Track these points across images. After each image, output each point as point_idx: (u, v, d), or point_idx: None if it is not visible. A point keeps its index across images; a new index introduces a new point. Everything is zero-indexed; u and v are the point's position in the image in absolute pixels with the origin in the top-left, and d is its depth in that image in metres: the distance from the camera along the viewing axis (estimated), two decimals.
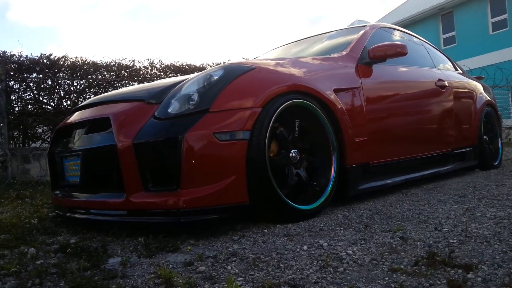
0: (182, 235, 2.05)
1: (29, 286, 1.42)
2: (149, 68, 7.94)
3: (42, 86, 6.89)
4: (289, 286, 1.28)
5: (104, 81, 7.24)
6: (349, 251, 1.61)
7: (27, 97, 6.92)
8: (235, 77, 2.25)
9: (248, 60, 3.42)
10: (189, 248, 1.80)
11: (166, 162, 2.04)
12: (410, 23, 19.84)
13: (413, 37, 4.36)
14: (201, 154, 2.01)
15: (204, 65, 8.36)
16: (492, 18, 17.55)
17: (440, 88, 3.87)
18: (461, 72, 4.94)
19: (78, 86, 7.25)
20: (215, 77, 2.22)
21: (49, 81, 6.95)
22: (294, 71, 2.59)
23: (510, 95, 12.35)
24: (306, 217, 2.30)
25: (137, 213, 2.09)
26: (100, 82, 7.25)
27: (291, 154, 2.41)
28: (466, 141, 4.21)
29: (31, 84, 6.85)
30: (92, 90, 7.28)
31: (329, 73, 2.85)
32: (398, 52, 3.16)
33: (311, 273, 1.39)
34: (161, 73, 7.98)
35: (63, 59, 7.06)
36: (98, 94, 7.16)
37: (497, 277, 1.25)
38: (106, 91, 7.23)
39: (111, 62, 7.46)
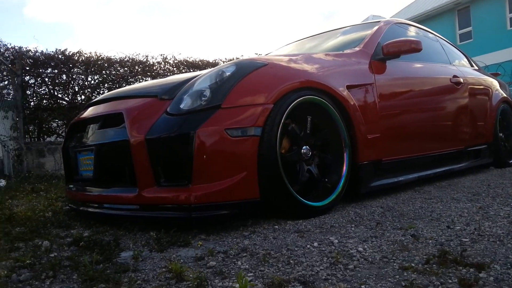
0: (193, 230, 2.07)
1: (43, 278, 1.45)
2: (162, 63, 7.99)
3: (57, 81, 6.99)
4: (299, 282, 1.28)
5: (118, 76, 7.31)
6: (360, 249, 1.61)
7: (42, 92, 7.03)
8: (247, 73, 2.25)
9: (261, 56, 3.42)
10: (200, 243, 1.82)
11: (178, 157, 2.06)
12: (426, 18, 19.58)
13: (428, 32, 4.31)
14: (212, 150, 2.02)
15: (217, 61, 8.38)
16: (510, 13, 17.22)
17: (455, 85, 3.82)
18: (477, 68, 4.87)
19: (92, 81, 7.34)
20: (227, 73, 2.22)
21: (64, 76, 7.05)
22: (307, 67, 2.58)
23: None
24: (317, 213, 2.30)
25: (149, 208, 2.11)
26: (114, 77, 7.32)
27: (302, 150, 2.40)
28: (481, 138, 4.15)
29: (46, 79, 6.95)
30: (106, 85, 7.36)
31: (342, 69, 2.83)
32: (413, 48, 3.12)
33: (321, 269, 1.39)
34: (174, 69, 8.03)
35: (77, 54, 7.15)
36: (112, 89, 7.24)
37: (510, 276, 1.23)
38: (119, 86, 7.30)
39: (125, 58, 7.53)
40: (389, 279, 1.27)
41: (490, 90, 4.51)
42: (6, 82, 6.56)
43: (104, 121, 2.47)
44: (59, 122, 7.10)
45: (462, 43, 18.23)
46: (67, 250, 1.84)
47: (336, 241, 1.74)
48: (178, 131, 2.05)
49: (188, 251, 1.72)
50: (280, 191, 2.15)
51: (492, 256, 1.43)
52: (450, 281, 1.22)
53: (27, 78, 6.79)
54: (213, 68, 2.39)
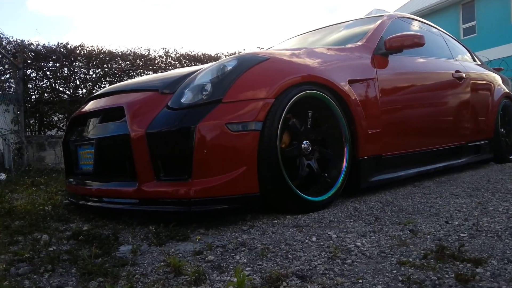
0: (192, 224, 2.07)
1: (41, 272, 1.45)
2: (164, 57, 7.98)
3: (58, 74, 6.99)
4: (297, 277, 1.28)
5: (119, 70, 7.31)
6: (358, 243, 1.61)
7: (44, 85, 7.03)
8: (249, 67, 2.24)
9: (262, 51, 3.41)
10: (199, 237, 1.82)
11: (178, 152, 2.06)
12: (430, 13, 19.47)
13: (431, 27, 4.29)
14: (213, 145, 2.02)
15: (218, 55, 8.36)
16: None
17: (457, 80, 3.80)
18: (480, 63, 4.85)
19: (94, 75, 7.34)
20: (229, 68, 2.22)
21: (66, 70, 7.05)
22: (309, 61, 2.58)
23: None
24: (316, 208, 2.30)
25: (148, 202, 2.11)
26: (115, 71, 7.32)
27: (303, 145, 2.40)
28: (482, 133, 4.14)
29: (48, 73, 6.95)
30: (107, 79, 7.35)
31: (344, 64, 2.82)
32: (415, 42, 3.11)
33: (319, 264, 1.40)
34: (176, 62, 8.01)
35: (79, 48, 7.14)
36: (114, 83, 7.23)
37: (507, 272, 1.23)
38: (121, 80, 7.30)
39: (127, 51, 7.52)
40: (387, 274, 1.27)
41: (492, 85, 4.50)
42: (7, 76, 6.56)
43: (105, 115, 2.47)
44: (60, 115, 7.11)
45: (465, 37, 18.13)
46: (66, 244, 1.84)
47: (335, 236, 1.74)
48: (178, 126, 2.05)
49: (187, 245, 1.72)
50: (279, 186, 2.15)
51: (489, 252, 1.43)
52: (447, 276, 1.22)
53: (28, 71, 6.79)
54: (214, 62, 2.39)
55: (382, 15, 3.71)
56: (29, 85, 6.78)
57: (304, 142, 2.42)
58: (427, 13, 19.37)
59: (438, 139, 3.56)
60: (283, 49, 3.29)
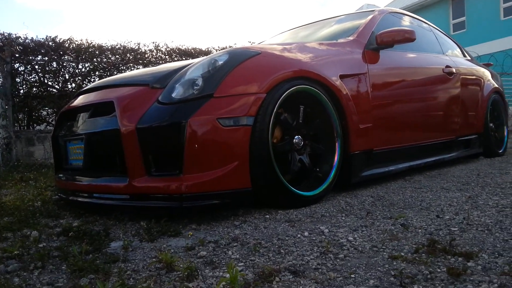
0: (183, 220, 2.06)
1: (31, 269, 1.44)
2: (155, 51, 7.91)
3: (47, 68, 6.90)
4: (289, 272, 1.28)
5: (109, 64, 7.24)
6: (350, 238, 1.61)
7: (32, 79, 6.93)
8: (240, 62, 2.23)
9: (254, 45, 3.39)
10: (191, 233, 1.81)
11: (169, 147, 2.04)
12: (420, 8, 19.55)
13: (422, 22, 4.30)
14: (204, 140, 2.01)
15: (209, 49, 8.32)
16: (504, 3, 17.23)
17: (447, 75, 3.83)
18: (469, 58, 4.88)
19: (83, 69, 7.25)
20: (220, 62, 2.20)
21: (54, 64, 6.96)
22: (300, 56, 2.57)
23: None
24: (308, 203, 2.30)
25: (139, 198, 2.10)
26: (105, 65, 7.24)
27: (294, 140, 2.40)
28: (472, 128, 4.18)
29: (36, 67, 6.85)
30: (97, 73, 7.27)
31: (335, 58, 2.82)
32: (406, 37, 3.12)
33: (311, 259, 1.40)
34: (166, 57, 7.95)
35: (68, 41, 7.05)
36: (103, 77, 7.16)
37: (497, 265, 1.24)
38: (111, 74, 7.23)
39: (116, 45, 7.44)
40: (379, 268, 1.28)
41: (482, 81, 4.53)
42: None
43: (95, 109, 2.44)
44: (49, 110, 7.02)
45: (455, 33, 18.25)
46: (56, 240, 1.82)
47: (327, 230, 1.74)
48: (169, 120, 2.04)
49: (179, 241, 1.71)
50: (271, 181, 2.14)
51: (480, 245, 1.45)
52: (438, 270, 1.23)
53: (16, 65, 6.69)
54: (205, 57, 2.37)
55: (373, 10, 3.71)
56: (17, 79, 6.68)
57: (296, 137, 2.41)
58: (418, 8, 19.46)
59: (428, 133, 3.58)
60: (274, 44, 3.27)
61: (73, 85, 7.09)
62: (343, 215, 2.03)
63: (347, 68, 2.79)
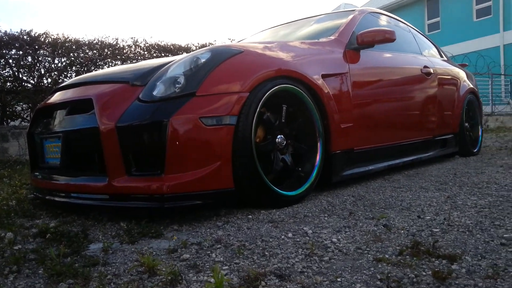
0: (165, 220, 2.03)
1: (6, 274, 1.38)
2: (133, 47, 7.79)
3: (21, 63, 6.70)
4: (275, 276, 1.27)
5: (86, 59, 7.08)
6: (334, 239, 1.61)
7: (6, 74, 6.72)
8: (223, 60, 2.20)
9: (236, 43, 3.36)
10: (175, 238, 1.77)
11: (151, 146, 2.01)
12: (397, 8, 19.82)
13: (400, 22, 4.35)
14: (186, 139, 1.98)
15: (189, 45, 8.23)
16: (476, 4, 17.63)
17: (425, 75, 3.88)
18: (446, 59, 4.96)
19: (60, 64, 7.08)
20: (202, 60, 2.17)
21: (29, 58, 6.77)
22: (283, 55, 2.55)
23: (490, 83, 12.52)
24: (290, 203, 2.29)
25: (119, 198, 2.05)
26: (82, 60, 7.09)
27: (277, 139, 2.39)
28: (448, 128, 4.25)
29: (10, 61, 6.65)
30: (74, 68, 7.11)
31: (317, 58, 2.82)
32: (386, 38, 3.14)
33: (296, 262, 1.39)
34: (145, 52, 7.84)
35: (44, 35, 6.87)
36: (80, 73, 7.00)
37: (481, 268, 1.26)
38: (88, 70, 7.08)
39: (94, 40, 7.29)
40: (364, 272, 1.28)
41: (458, 81, 4.61)
42: None
43: (73, 107, 2.38)
44: (23, 105, 6.83)
45: (430, 33, 18.57)
46: (32, 242, 1.76)
47: (310, 231, 1.74)
48: (150, 119, 1.99)
49: (161, 243, 1.68)
50: (254, 181, 2.13)
51: (462, 247, 1.46)
52: (424, 273, 1.24)
53: None
54: (187, 54, 2.33)
55: (353, 10, 3.73)
56: None
57: (279, 136, 2.40)
58: (395, 8, 19.73)
59: (407, 133, 3.63)
60: (256, 42, 3.26)
61: (49, 80, 6.91)
62: (326, 215, 2.03)
63: (328, 67, 2.79)
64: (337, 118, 2.68)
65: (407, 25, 4.47)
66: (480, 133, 4.89)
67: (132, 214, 2.08)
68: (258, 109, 2.18)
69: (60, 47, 6.88)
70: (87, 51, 7.21)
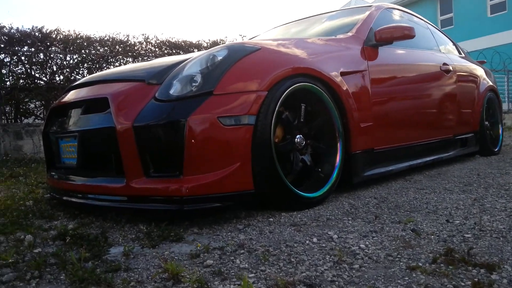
0: (184, 223, 1.98)
1: (28, 279, 1.34)
2: (144, 43, 7.78)
3: (34, 60, 6.71)
4: (305, 285, 1.21)
5: (97, 56, 7.07)
6: (362, 245, 1.55)
7: (19, 71, 6.74)
8: (240, 58, 2.14)
9: (251, 40, 3.31)
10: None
11: (168, 147, 1.95)
12: (409, 3, 19.58)
13: (417, 18, 4.25)
14: (205, 139, 1.93)
15: (200, 42, 8.20)
16: (491, 0, 17.35)
17: (444, 73, 3.79)
18: (464, 55, 4.85)
19: (71, 61, 7.08)
20: (219, 58, 2.11)
21: (41, 55, 6.78)
22: (300, 52, 2.49)
23: (506, 80, 12.32)
24: (311, 205, 2.23)
25: (138, 199, 2.00)
26: (93, 57, 7.08)
27: (296, 139, 2.33)
28: (468, 126, 4.16)
29: (23, 58, 6.67)
30: (85, 65, 7.11)
31: (335, 54, 2.75)
32: (406, 34, 3.06)
33: (325, 270, 1.33)
34: (156, 49, 7.82)
35: (55, 32, 6.88)
36: (92, 70, 6.99)
37: None
38: (100, 67, 7.07)
39: (105, 37, 7.29)
40: (399, 281, 1.22)
41: (478, 78, 4.51)
42: None
43: (88, 106, 2.34)
44: (37, 103, 6.85)
45: (443, 29, 18.32)
46: (51, 245, 1.73)
47: (336, 236, 1.68)
48: (167, 119, 1.94)
49: (182, 247, 1.63)
50: (274, 182, 2.07)
51: (499, 255, 1.39)
52: (462, 283, 1.17)
53: (2, 56, 6.50)
54: (203, 52, 2.28)
55: (370, 6, 3.65)
56: (3, 71, 6.49)
57: (298, 136, 2.35)
58: (407, 4, 19.49)
59: (427, 132, 3.54)
60: (270, 39, 3.19)
61: (61, 77, 6.92)
62: (349, 218, 1.97)
63: (347, 64, 2.72)
64: (356, 117, 2.61)
65: (424, 21, 4.37)
66: (500, 131, 4.78)
67: (150, 215, 2.04)
68: (277, 109, 2.12)
69: (71, 43, 6.88)
70: (99, 48, 7.20)
